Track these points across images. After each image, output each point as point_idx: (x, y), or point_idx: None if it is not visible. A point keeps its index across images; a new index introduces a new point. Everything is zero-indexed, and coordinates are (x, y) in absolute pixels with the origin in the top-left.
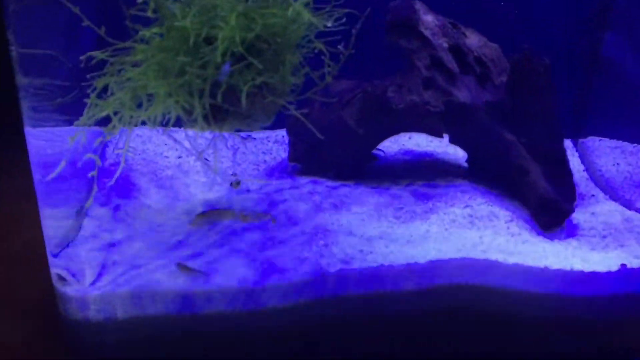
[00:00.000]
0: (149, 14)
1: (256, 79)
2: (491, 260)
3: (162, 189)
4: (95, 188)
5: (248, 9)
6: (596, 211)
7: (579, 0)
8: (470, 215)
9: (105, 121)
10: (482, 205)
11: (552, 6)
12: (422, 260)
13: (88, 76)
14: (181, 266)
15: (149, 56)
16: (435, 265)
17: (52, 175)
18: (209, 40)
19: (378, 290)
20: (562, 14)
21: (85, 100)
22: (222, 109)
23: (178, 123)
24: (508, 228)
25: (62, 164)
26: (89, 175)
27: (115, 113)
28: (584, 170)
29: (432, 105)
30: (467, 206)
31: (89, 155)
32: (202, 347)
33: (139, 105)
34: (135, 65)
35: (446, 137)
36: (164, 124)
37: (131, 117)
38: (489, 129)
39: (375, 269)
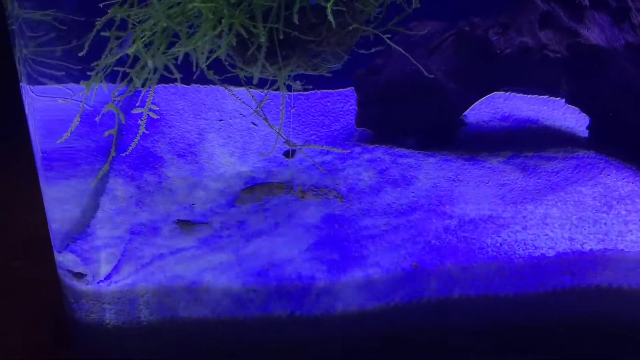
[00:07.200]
0: None
1: None
2: None
3: (197, 160)
4: (112, 153)
5: None
6: None
7: None
8: (604, 196)
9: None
10: (620, 182)
11: None
12: (550, 253)
13: (102, 5)
14: (181, 223)
15: None
16: (568, 259)
17: (63, 138)
18: None
19: (491, 293)
20: None
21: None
22: (289, 41)
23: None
24: None
25: (76, 121)
26: (105, 134)
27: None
28: None
29: (552, 49)
30: (597, 184)
31: (110, 107)
32: None
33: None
34: None
35: (553, 101)
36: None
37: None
38: (630, 82)
39: (485, 262)
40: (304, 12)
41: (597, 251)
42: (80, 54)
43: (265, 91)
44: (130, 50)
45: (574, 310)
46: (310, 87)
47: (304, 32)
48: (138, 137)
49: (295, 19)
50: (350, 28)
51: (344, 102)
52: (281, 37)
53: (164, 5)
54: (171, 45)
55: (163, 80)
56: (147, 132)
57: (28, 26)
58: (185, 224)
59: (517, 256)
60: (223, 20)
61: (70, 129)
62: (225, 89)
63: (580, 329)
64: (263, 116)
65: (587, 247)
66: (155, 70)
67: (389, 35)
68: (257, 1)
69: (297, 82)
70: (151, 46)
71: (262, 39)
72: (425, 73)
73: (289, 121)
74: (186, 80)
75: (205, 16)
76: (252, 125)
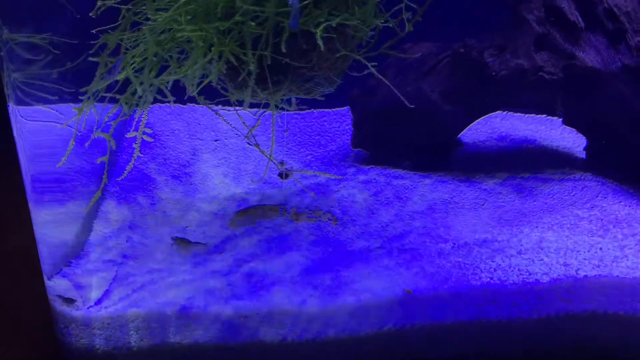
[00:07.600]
0: None
1: (330, 19)
2: None
3: (190, 181)
4: (104, 180)
5: None
6: None
7: None
8: (601, 219)
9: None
10: (616, 206)
11: None
12: (544, 279)
13: (94, 31)
14: (178, 240)
15: None
16: (562, 286)
17: (61, 162)
18: None
19: (484, 319)
20: None
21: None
22: (281, 67)
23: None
24: None
25: (70, 147)
26: (98, 161)
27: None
28: None
29: (547, 71)
30: (593, 207)
31: (99, 134)
32: None
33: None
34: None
35: (551, 120)
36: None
37: (151, 85)
38: (627, 104)
39: (479, 288)
40: (295, 38)
41: (592, 277)
42: (82, 90)
43: (259, 113)
44: (121, 77)
45: (568, 336)
46: (306, 107)
47: (295, 58)
48: (133, 161)
49: (283, 47)
50: (338, 55)
51: (340, 121)
52: (269, 62)
53: (154, 31)
54: (164, 67)
55: (158, 99)
56: (142, 155)
57: (20, 47)
58: (183, 242)
59: (511, 282)
60: (213, 48)
61: (66, 153)
62: (216, 114)
63: (575, 356)
64: (254, 142)
65: (581, 274)
66: (146, 96)
67: (375, 64)
68: (247, 29)
69: (293, 99)
70: (142, 72)
71: (252, 67)
72: (407, 103)
73: (285, 141)
74: (181, 100)
75: (195, 43)
76: (248, 145)
